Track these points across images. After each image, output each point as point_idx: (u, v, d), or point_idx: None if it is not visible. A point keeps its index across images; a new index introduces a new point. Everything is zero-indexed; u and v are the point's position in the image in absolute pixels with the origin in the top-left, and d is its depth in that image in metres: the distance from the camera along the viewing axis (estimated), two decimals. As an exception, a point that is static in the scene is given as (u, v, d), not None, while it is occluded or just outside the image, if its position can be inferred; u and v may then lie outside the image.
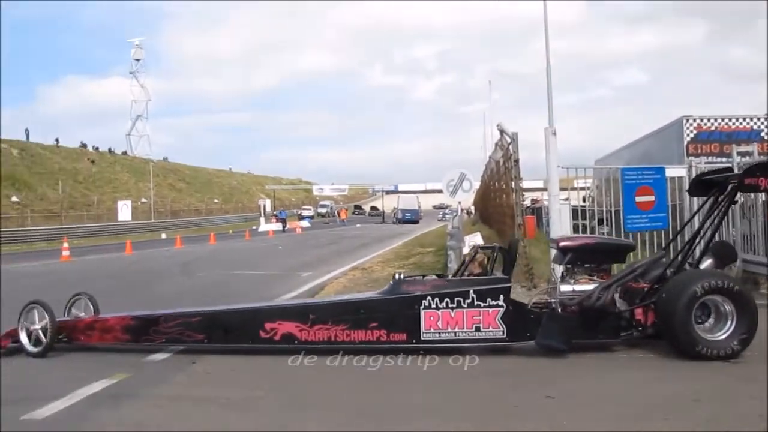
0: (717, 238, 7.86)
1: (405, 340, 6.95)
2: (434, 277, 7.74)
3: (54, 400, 5.39)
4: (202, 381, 6.14)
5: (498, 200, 19.10)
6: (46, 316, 7.31)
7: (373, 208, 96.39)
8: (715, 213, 7.18)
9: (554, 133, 10.55)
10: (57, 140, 76.20)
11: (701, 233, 7.39)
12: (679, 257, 7.37)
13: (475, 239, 13.49)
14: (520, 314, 6.91)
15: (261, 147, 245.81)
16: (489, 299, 6.90)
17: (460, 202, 14.96)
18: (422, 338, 6.91)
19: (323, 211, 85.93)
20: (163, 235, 44.78)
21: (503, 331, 6.84)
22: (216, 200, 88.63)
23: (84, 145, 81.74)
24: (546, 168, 10.57)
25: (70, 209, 57.70)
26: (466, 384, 5.81)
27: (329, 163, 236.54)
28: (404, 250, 23.13)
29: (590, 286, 7.05)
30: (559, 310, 6.94)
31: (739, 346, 6.38)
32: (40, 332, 7.32)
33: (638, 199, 10.27)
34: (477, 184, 23.13)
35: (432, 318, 6.91)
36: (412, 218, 64.95)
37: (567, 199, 15.85)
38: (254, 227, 54.35)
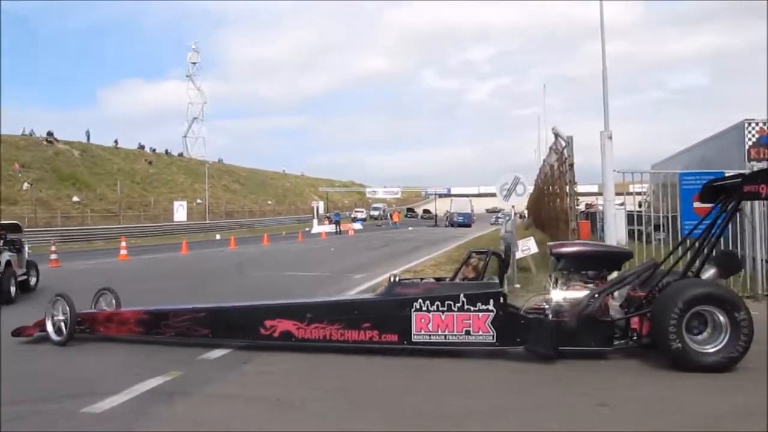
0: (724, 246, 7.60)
1: (396, 341, 7.17)
2: (431, 280, 7.77)
3: (112, 395, 5.57)
4: (255, 381, 6.25)
5: (552, 204, 18.94)
6: (68, 308, 7.99)
7: (426, 211, 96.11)
8: (719, 221, 7.09)
9: (610, 137, 10.43)
10: (116, 142, 77.97)
11: (705, 242, 7.23)
12: (679, 265, 7.36)
13: (529, 244, 13.43)
14: (510, 319, 6.99)
15: (314, 149, 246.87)
16: (479, 304, 6.99)
17: (513, 206, 14.85)
18: (413, 340, 7.11)
19: (376, 213, 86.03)
20: (218, 236, 45.42)
21: (493, 336, 6.95)
22: (270, 202, 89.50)
23: (142, 147, 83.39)
24: (601, 172, 10.46)
25: (128, 209, 58.94)
26: (519, 390, 5.79)
27: (382, 166, 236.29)
28: (456, 253, 23.05)
29: (582, 293, 7.03)
30: (551, 316, 6.93)
31: (730, 359, 6.28)
32: (62, 323, 8.03)
33: (696, 204, 10.08)
34: (531, 188, 22.96)
35: (423, 320, 7.07)
36: (464, 222, 64.56)
37: (622, 204, 15.65)
38: (307, 229, 54.75)
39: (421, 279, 7.82)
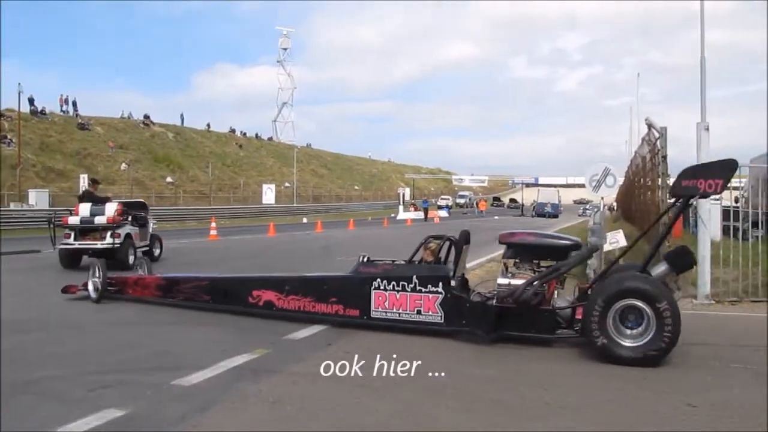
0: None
1: (357, 316, 7.81)
2: (392, 261, 8.19)
3: (200, 369, 5.76)
4: (338, 361, 6.29)
5: (642, 197, 18.44)
6: (100, 272, 9.68)
7: (512, 200, 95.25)
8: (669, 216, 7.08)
9: (707, 129, 10.05)
10: (208, 125, 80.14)
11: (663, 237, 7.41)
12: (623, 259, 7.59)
13: (617, 236, 13.11)
14: (457, 302, 7.39)
15: (401, 136, 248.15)
16: (430, 285, 7.48)
17: (602, 198, 14.51)
18: (372, 315, 7.74)
19: (462, 201, 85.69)
20: (304, 219, 46.13)
21: (441, 317, 7.42)
22: (356, 187, 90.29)
23: (233, 131, 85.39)
24: (696, 165, 10.10)
25: (218, 191, 60.44)
26: (601, 385, 5.66)
27: (469, 154, 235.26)
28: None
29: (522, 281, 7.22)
30: (495, 302, 7.23)
31: (654, 354, 6.28)
32: (99, 283, 9.66)
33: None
34: (621, 180, 22.39)
35: (380, 298, 7.71)
36: (551, 212, 63.57)
37: (718, 200, 15.08)
38: (393, 215, 54.97)
39: (393, 261, 8.16)
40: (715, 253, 10.26)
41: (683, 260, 7.20)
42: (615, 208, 44.99)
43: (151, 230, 17.00)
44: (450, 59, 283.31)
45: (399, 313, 7.61)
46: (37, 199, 37.08)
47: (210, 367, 5.83)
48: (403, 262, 8.04)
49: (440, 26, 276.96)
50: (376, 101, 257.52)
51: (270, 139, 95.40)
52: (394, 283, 7.65)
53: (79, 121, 58.58)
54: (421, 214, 54.04)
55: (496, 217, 56.38)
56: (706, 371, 6.15)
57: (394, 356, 6.32)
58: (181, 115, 75.98)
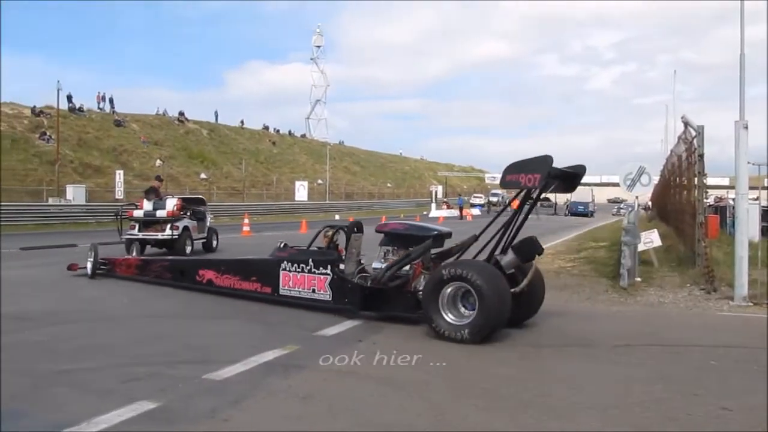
0: None
1: (270, 293, 9.05)
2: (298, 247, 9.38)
3: (231, 364, 5.81)
4: (368, 359, 6.30)
5: (678, 197, 18.22)
6: (94, 254, 11.62)
7: (545, 198, 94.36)
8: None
9: (746, 127, 9.86)
10: (242, 122, 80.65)
11: (510, 227, 8.02)
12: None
13: (652, 236, 12.97)
14: (342, 283, 8.37)
15: (433, 134, 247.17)
16: (321, 268, 8.56)
17: (637, 197, 14.37)
18: (280, 293, 8.93)
19: (494, 199, 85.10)
20: (337, 216, 46.18)
21: (329, 296, 8.49)
22: (389, 184, 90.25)
23: (266, 128, 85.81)
24: (734, 164, 9.92)
25: (251, 187, 60.74)
26: (630, 387, 5.58)
27: (501, 152, 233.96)
28: (576, 243, 22.57)
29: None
30: (369, 283, 8.18)
31: (472, 335, 6.86)
32: (94, 263, 11.56)
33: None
34: (656, 179, 22.13)
35: (286, 278, 8.87)
36: (584, 211, 62.97)
37: (756, 199, 14.83)
38: (425, 213, 54.89)
39: (309, 247, 9.18)
40: (753, 254, 10.09)
41: (528, 250, 7.89)
42: (650, 207, 44.46)
43: (208, 224, 18.54)
44: (481, 57, 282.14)
45: (300, 292, 8.76)
46: (75, 194, 37.64)
47: (241, 362, 5.87)
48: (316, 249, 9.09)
49: (471, 24, 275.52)
50: (408, 99, 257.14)
51: (303, 136, 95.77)
52: (296, 265, 8.78)
53: (116, 118, 59.31)
54: (453, 212, 53.92)
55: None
56: (742, 374, 6.04)
57: (421, 356, 6.31)
58: (215, 112, 76.55)
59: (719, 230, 18.57)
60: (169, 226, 16.05)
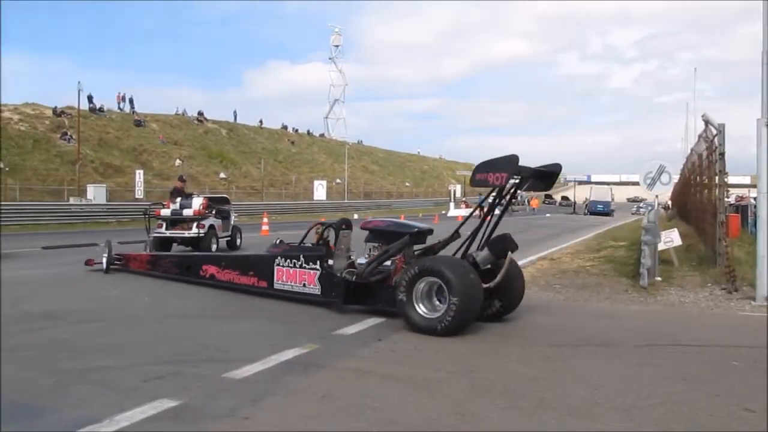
0: None
1: (266, 287, 9.50)
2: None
3: (251, 362, 5.84)
4: (387, 358, 6.32)
5: (698, 196, 18.09)
6: (109, 249, 12.32)
7: (564, 198, 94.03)
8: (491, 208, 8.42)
9: (767, 125, 9.77)
10: (261, 122, 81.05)
11: (483, 225, 8.43)
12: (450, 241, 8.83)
13: (672, 235, 12.89)
14: (330, 277, 8.74)
15: (452, 133, 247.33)
16: (311, 263, 8.97)
17: (657, 196, 14.28)
18: (275, 287, 9.38)
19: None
20: (355, 215, 46.14)
21: (319, 290, 8.88)
22: (407, 183, 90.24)
23: (285, 127, 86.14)
24: (756, 163, 9.83)
25: (270, 187, 61.02)
26: (652, 387, 5.55)
27: (520, 151, 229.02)
28: (595, 242, 22.43)
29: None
30: (354, 278, 8.52)
31: (444, 329, 7.11)
32: (108, 258, 12.27)
33: None
34: (676, 178, 21.98)
35: (280, 273, 9.32)
36: (604, 210, 62.63)
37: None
38: (443, 212, 54.82)
39: (301, 243, 9.76)
40: (775, 254, 9.98)
41: (502, 246, 8.14)
42: (670, 206, 44.16)
43: (233, 222, 19.12)
44: (500, 56, 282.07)
45: (292, 286, 9.18)
46: (95, 194, 38.00)
47: (260, 361, 5.90)
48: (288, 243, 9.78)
49: (490, 23, 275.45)
50: (427, 98, 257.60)
51: (322, 135, 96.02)
52: (289, 260, 9.22)
53: (136, 118, 59.80)
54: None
55: (547, 215, 55.82)
56: (764, 375, 5.97)
57: (441, 355, 6.32)
58: (234, 112, 76.99)
59: (740, 229, 18.41)
60: (195, 224, 16.62)
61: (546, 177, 8.61)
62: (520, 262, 15.22)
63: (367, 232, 9.04)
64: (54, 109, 51.54)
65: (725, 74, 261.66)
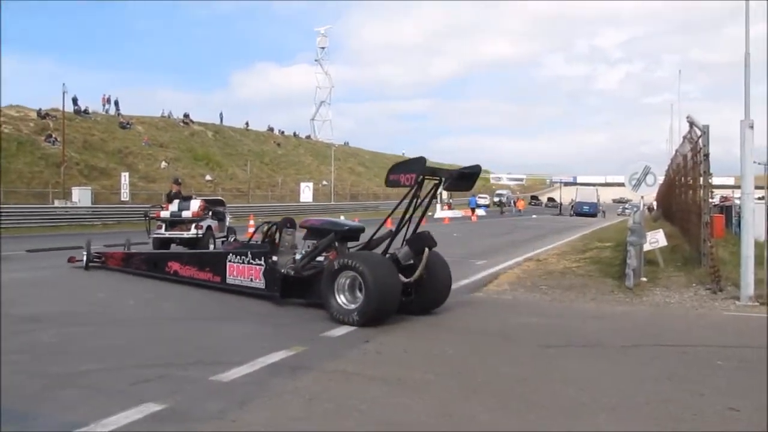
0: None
1: (220, 282, 10.14)
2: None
3: (239, 365, 5.83)
4: (375, 360, 6.32)
5: (683, 197, 18.20)
6: (89, 247, 12.94)
7: (551, 199, 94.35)
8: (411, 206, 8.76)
9: (751, 127, 9.86)
10: (247, 123, 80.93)
11: (404, 223, 8.93)
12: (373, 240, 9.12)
13: (657, 236, 12.96)
14: (273, 272, 9.33)
15: (438, 133, 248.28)
16: (257, 259, 9.62)
17: (642, 197, 14.35)
18: (227, 282, 10.02)
19: (497, 200, 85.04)
20: (342, 217, 46.12)
21: (263, 284, 9.49)
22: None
23: (271, 129, 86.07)
24: (740, 164, 9.91)
25: (256, 189, 60.80)
26: (639, 387, 5.59)
27: (507, 153, 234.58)
28: (581, 243, 22.53)
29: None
30: (292, 273, 9.07)
31: (359, 319, 7.64)
32: (87, 256, 12.88)
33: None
34: (661, 179, 22.10)
35: (231, 269, 9.97)
36: (590, 211, 62.87)
37: (762, 198, 14.79)
38: (430, 213, 54.78)
39: (249, 241, 10.90)
40: (759, 254, 10.07)
41: (420, 243, 8.60)
42: (655, 207, 44.40)
43: (227, 224, 19.78)
44: (488, 57, 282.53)
45: (241, 280, 9.82)
46: (80, 196, 37.69)
47: (248, 363, 5.88)
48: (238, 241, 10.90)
49: (478, 24, 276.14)
50: (414, 99, 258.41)
51: (308, 137, 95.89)
52: (239, 257, 9.87)
53: (121, 120, 59.51)
54: (458, 213, 54.01)
55: (534, 216, 55.94)
56: (748, 374, 6.04)
57: (428, 357, 6.33)
58: (220, 114, 76.97)
59: (725, 230, 18.54)
60: (194, 225, 17.27)
61: (467, 177, 9.19)
62: (507, 263, 15.40)
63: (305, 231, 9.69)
64: (38, 111, 51.18)
65: (710, 76, 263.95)
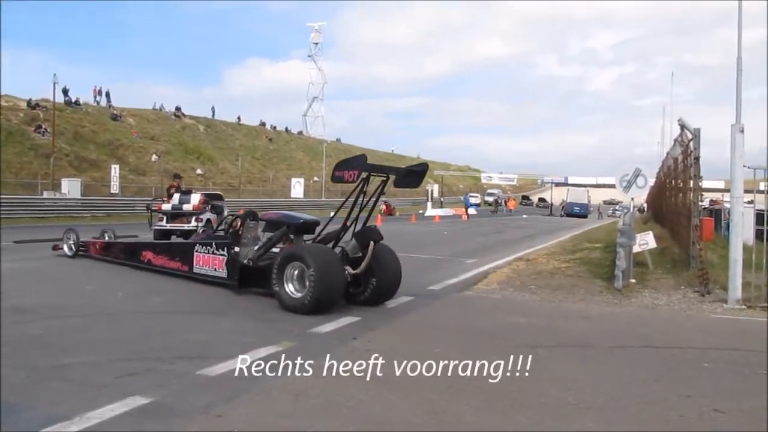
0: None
1: (187, 271, 10.63)
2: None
3: (226, 360, 5.81)
4: (362, 357, 6.29)
5: (673, 199, 18.25)
6: (75, 236, 13.50)
7: (541, 199, 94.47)
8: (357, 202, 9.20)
9: (742, 131, 9.89)
10: (239, 118, 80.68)
11: (352, 218, 9.33)
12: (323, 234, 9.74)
13: (647, 238, 12.99)
14: (234, 263, 9.80)
15: (430, 132, 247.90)
16: (220, 250, 10.12)
17: (632, 199, 14.37)
18: (194, 271, 10.51)
19: (490, 199, 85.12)
20: (332, 213, 46.17)
21: (225, 273, 9.98)
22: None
23: (263, 124, 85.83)
24: (730, 168, 9.94)
25: (247, 183, 60.65)
26: (626, 388, 5.60)
27: (498, 152, 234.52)
28: (571, 244, 22.56)
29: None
30: (251, 264, 9.56)
31: (305, 305, 8.08)
32: (73, 245, 13.48)
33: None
34: (652, 181, 22.14)
35: (198, 258, 10.47)
36: (580, 212, 63.05)
37: (751, 202, 14.86)
38: (420, 211, 54.90)
39: (215, 232, 11.56)
40: (747, 257, 10.10)
41: (366, 237, 9.03)
42: (645, 209, 44.52)
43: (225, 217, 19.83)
44: (481, 57, 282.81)
45: (206, 270, 10.29)
46: (70, 188, 37.53)
47: (235, 358, 5.85)
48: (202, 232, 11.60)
49: (472, 24, 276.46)
50: (407, 97, 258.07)
51: (300, 133, 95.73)
52: (204, 247, 10.38)
53: (112, 112, 59.25)
54: (449, 211, 54.16)
55: (524, 216, 56.05)
56: (734, 377, 6.06)
57: (415, 355, 6.32)
58: (212, 108, 76.68)
59: (714, 233, 18.59)
60: (194, 218, 17.89)
61: (414, 174, 9.57)
62: (497, 263, 15.42)
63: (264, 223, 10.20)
64: (28, 102, 50.85)
65: (702, 79, 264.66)
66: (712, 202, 30.41)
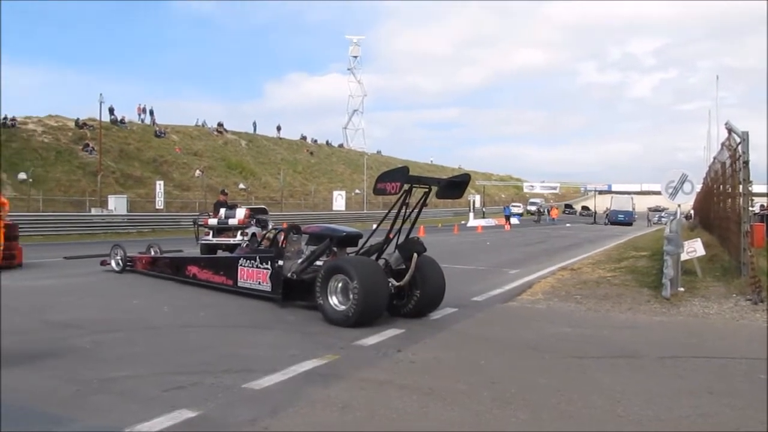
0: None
1: (232, 285, 10.74)
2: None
3: (272, 373, 5.84)
4: (407, 368, 6.27)
5: (722, 205, 17.89)
6: (122, 252, 13.88)
7: (585, 207, 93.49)
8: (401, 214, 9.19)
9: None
10: (279, 128, 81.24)
11: (395, 230, 9.32)
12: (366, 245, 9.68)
13: (695, 245, 12.74)
14: (278, 276, 9.82)
15: (471, 142, 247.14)
16: (264, 264, 10.14)
17: (679, 205, 14.13)
18: (239, 285, 10.60)
19: (533, 209, 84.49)
20: (374, 226, 46.23)
21: (270, 287, 9.99)
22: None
23: (304, 138, 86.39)
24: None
25: (289, 197, 61.06)
26: (676, 400, 5.47)
27: (540, 161, 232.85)
28: (616, 252, 22.25)
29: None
30: (295, 277, 9.62)
31: (349, 318, 8.10)
32: (120, 260, 13.83)
33: None
34: (698, 187, 21.77)
35: (242, 272, 10.55)
36: (625, 220, 62.13)
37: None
38: (463, 222, 54.72)
39: (258, 246, 11.37)
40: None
41: (409, 249, 9.05)
42: (692, 215, 43.75)
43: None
44: (519, 66, 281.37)
45: (250, 284, 10.35)
46: (116, 204, 38.24)
47: (280, 371, 5.88)
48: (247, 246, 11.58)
49: (508, 33, 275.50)
50: (446, 108, 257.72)
51: (341, 145, 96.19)
52: (249, 261, 10.45)
53: (156, 129, 60.22)
54: (491, 221, 53.97)
55: (567, 225, 55.51)
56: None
57: (461, 366, 6.27)
58: (254, 123, 77.36)
59: (765, 239, 18.18)
60: (239, 232, 18.25)
61: (456, 186, 9.47)
62: (541, 273, 15.26)
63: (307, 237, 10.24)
64: (76, 121, 52.05)
65: (746, 82, 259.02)
66: (763, 207, 29.73)
